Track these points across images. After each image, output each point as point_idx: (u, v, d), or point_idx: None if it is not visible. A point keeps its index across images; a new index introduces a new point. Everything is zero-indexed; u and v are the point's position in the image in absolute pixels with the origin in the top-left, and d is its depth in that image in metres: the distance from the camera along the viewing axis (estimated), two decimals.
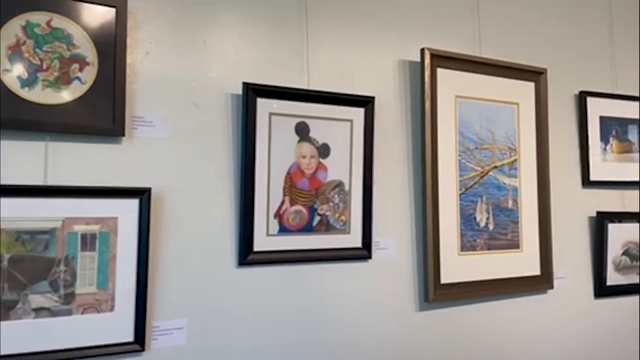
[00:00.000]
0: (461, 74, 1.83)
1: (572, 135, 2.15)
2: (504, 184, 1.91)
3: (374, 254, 1.67)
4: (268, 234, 1.49)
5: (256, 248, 1.47)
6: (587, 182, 2.14)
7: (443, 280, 1.74)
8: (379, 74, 1.75)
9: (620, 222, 2.18)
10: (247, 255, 1.45)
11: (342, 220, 1.61)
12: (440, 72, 1.78)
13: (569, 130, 2.15)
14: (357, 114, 1.63)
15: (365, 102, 1.64)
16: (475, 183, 1.85)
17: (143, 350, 1.31)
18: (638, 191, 2.26)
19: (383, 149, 1.72)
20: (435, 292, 1.71)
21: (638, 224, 2.22)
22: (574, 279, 2.08)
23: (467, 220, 1.82)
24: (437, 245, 1.73)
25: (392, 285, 1.70)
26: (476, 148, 1.86)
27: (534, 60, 2.02)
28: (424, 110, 1.74)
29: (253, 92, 1.46)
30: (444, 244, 1.75)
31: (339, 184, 1.61)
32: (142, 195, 1.31)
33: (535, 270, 1.96)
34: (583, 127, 2.16)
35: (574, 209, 2.11)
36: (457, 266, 1.78)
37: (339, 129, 1.61)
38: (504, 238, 1.89)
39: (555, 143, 2.08)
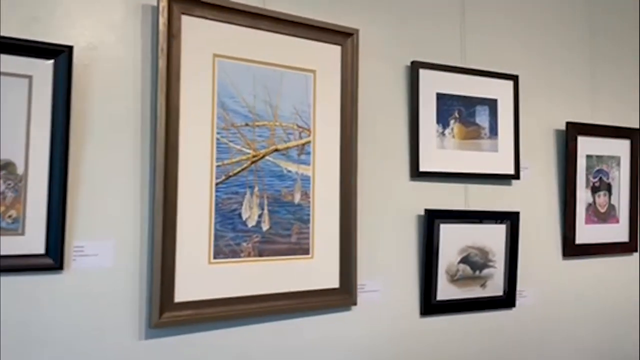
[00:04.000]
0: (225, 27, 1.40)
1: (401, 116, 1.75)
2: (289, 172, 1.49)
3: (72, 263, 1.21)
4: None
5: None
6: (416, 173, 1.74)
7: (180, 298, 1.30)
8: (105, 20, 1.29)
9: (457, 222, 1.79)
10: None
11: (10, 217, 1.15)
12: (188, 20, 1.34)
13: (398, 109, 1.75)
14: (42, 68, 1.17)
15: (56, 52, 1.18)
16: (243, 169, 1.42)
17: None
18: (486, 185, 1.89)
19: (103, 120, 1.27)
20: (163, 314, 1.27)
21: (484, 225, 1.85)
22: (392, 292, 1.67)
23: (227, 218, 1.38)
24: (172, 252, 1.29)
25: (104, 307, 1.25)
26: (247, 125, 1.43)
27: (353, 21, 1.61)
28: (157, 70, 1.29)
29: None
30: (184, 249, 1.31)
31: (7, 166, 1.15)
32: None
33: (333, 282, 1.55)
34: (414, 105, 1.76)
35: (396, 205, 1.71)
36: (206, 278, 1.34)
37: (6, 87, 1.14)
38: (284, 241, 1.47)
39: (379, 123, 1.68)
